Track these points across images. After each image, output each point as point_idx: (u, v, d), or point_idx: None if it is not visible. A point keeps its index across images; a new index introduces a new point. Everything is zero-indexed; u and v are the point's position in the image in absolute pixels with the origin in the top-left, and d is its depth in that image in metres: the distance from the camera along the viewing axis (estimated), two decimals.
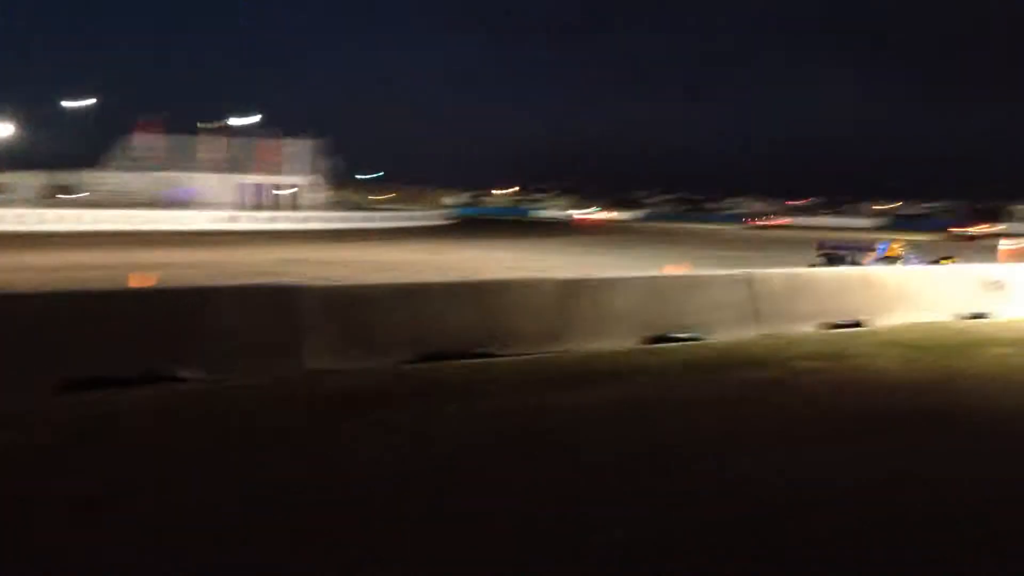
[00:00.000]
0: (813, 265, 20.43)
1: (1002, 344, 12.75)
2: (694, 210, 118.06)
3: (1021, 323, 15.13)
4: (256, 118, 65.52)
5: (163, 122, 58.87)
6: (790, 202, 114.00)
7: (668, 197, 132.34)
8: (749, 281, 13.27)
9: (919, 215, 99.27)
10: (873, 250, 20.91)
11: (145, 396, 8.38)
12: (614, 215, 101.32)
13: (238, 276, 21.50)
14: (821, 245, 24.05)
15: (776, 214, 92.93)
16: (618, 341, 11.69)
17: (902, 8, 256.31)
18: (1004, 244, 23.47)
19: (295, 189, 61.67)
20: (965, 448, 7.48)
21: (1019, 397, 9.45)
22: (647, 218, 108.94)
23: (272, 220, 54.35)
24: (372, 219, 61.85)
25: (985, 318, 15.43)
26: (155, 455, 6.69)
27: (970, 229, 65.47)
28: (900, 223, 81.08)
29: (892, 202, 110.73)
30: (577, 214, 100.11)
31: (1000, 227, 64.78)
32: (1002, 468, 6.97)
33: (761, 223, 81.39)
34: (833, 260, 21.69)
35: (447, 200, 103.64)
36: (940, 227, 68.62)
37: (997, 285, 16.14)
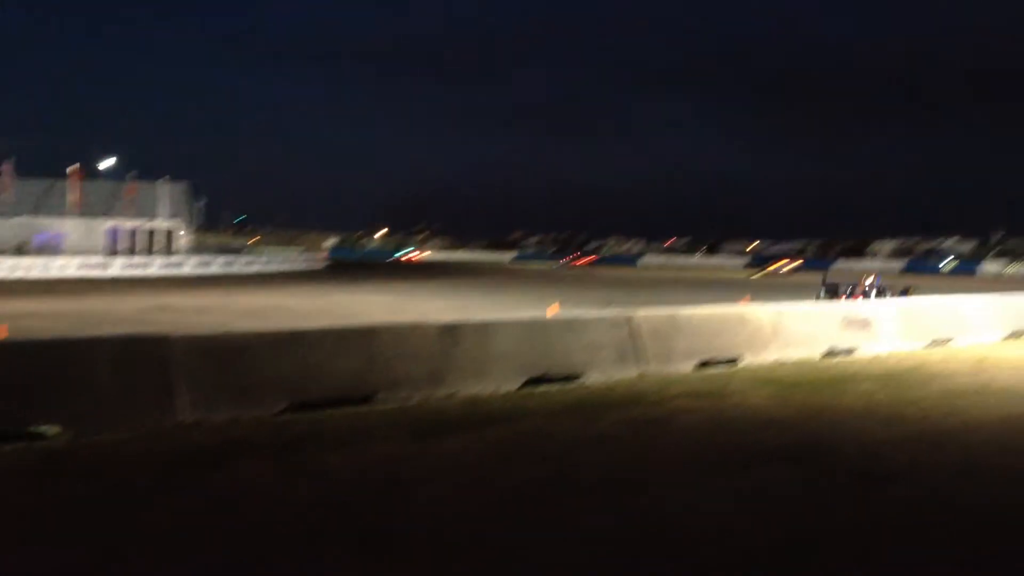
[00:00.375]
0: (819, 298, 24.08)
1: (867, 380, 13.19)
2: (573, 250, 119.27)
3: (885, 359, 15.69)
4: (113, 160, 64.34)
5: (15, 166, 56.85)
6: (667, 243, 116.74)
7: (546, 237, 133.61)
8: (628, 322, 13.42)
9: (780, 254, 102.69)
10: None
11: (3, 454, 7.96)
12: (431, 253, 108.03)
13: (106, 325, 20.75)
14: (824, 281, 28.23)
15: (584, 254, 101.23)
16: (501, 383, 11.67)
17: (767, 56, 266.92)
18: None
19: (174, 232, 60.12)
20: (832, 478, 7.66)
21: (883, 430, 9.74)
22: (521, 258, 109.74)
23: (144, 265, 53.16)
24: (247, 263, 60.91)
25: (852, 354, 15.96)
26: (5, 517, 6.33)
27: (771, 266, 76.88)
28: (759, 260, 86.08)
29: (758, 241, 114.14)
30: (402, 254, 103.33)
31: (796, 263, 77.36)
32: (868, 495, 7.19)
33: (573, 263, 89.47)
34: (833, 292, 25.55)
35: (325, 243, 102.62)
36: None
37: (863, 323, 16.72)
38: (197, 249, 62.39)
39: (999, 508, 6.95)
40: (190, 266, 55.51)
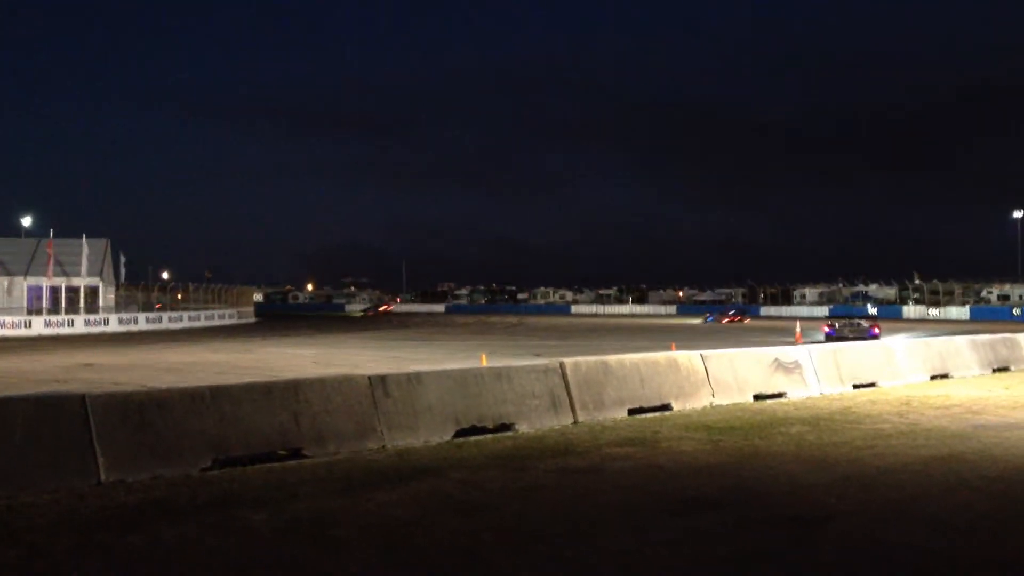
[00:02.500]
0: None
1: (797, 423, 13.31)
2: (503, 301, 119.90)
3: (814, 402, 15.88)
4: (29, 218, 63.42)
5: None
6: (603, 290, 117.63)
7: (477, 288, 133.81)
8: (559, 370, 13.38)
9: (712, 300, 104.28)
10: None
11: None
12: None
13: (26, 385, 20.16)
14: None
15: (390, 301, 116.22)
16: (432, 434, 11.55)
17: (686, 111, 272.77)
18: (799, 327, 25.32)
19: (97, 290, 58.83)
20: (763, 523, 7.65)
21: (813, 473, 9.79)
22: (452, 310, 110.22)
23: (67, 323, 52.08)
24: (172, 318, 59.98)
25: (782, 398, 16.10)
26: None
27: (381, 307, 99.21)
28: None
29: (684, 288, 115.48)
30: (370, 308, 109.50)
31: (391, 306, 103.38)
32: (799, 538, 7.18)
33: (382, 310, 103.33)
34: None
35: (255, 297, 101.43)
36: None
37: (793, 366, 16.89)
38: (121, 306, 61.22)
39: (928, 550, 6.98)
40: (114, 323, 54.53)
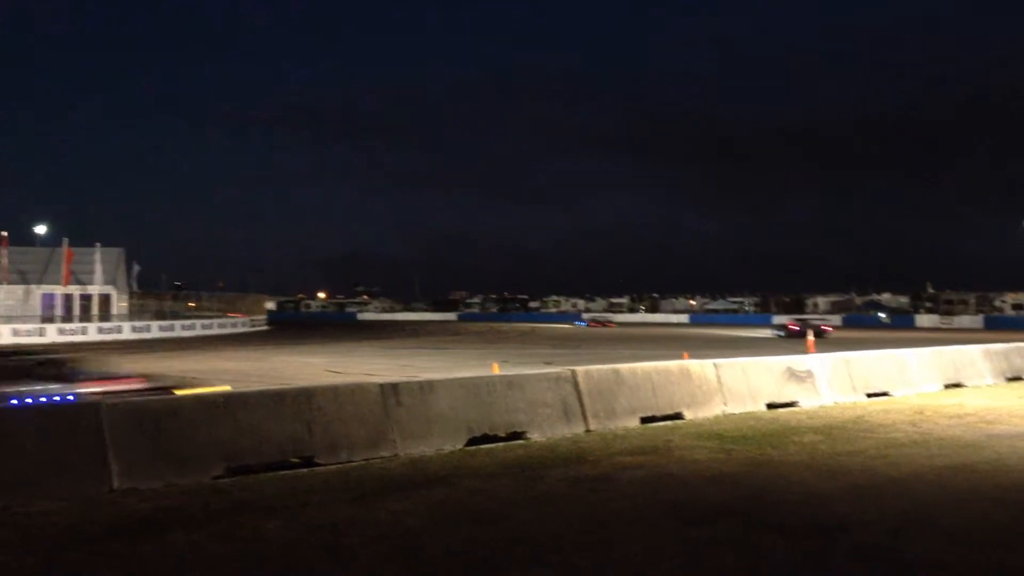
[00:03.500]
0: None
1: (810, 432, 13.25)
2: (515, 309, 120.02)
3: (827, 411, 15.81)
4: (44, 227, 63.85)
5: None
6: (615, 299, 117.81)
7: (489, 296, 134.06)
8: (571, 378, 13.37)
9: (724, 309, 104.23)
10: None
11: None
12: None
13: None
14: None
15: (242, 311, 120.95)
16: (445, 442, 11.56)
17: (697, 121, 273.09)
18: (811, 336, 25.28)
19: (110, 298, 59.04)
20: (777, 532, 7.62)
21: (826, 482, 9.75)
22: (465, 318, 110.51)
23: (80, 331, 52.31)
24: (185, 327, 60.14)
25: (794, 407, 16.05)
26: None
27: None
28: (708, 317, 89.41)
29: (697, 297, 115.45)
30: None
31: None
32: (813, 548, 7.14)
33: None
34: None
35: (268, 305, 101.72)
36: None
37: (805, 375, 16.84)
38: (134, 314, 61.42)
39: (942, 561, 6.94)
40: (127, 331, 54.75)
